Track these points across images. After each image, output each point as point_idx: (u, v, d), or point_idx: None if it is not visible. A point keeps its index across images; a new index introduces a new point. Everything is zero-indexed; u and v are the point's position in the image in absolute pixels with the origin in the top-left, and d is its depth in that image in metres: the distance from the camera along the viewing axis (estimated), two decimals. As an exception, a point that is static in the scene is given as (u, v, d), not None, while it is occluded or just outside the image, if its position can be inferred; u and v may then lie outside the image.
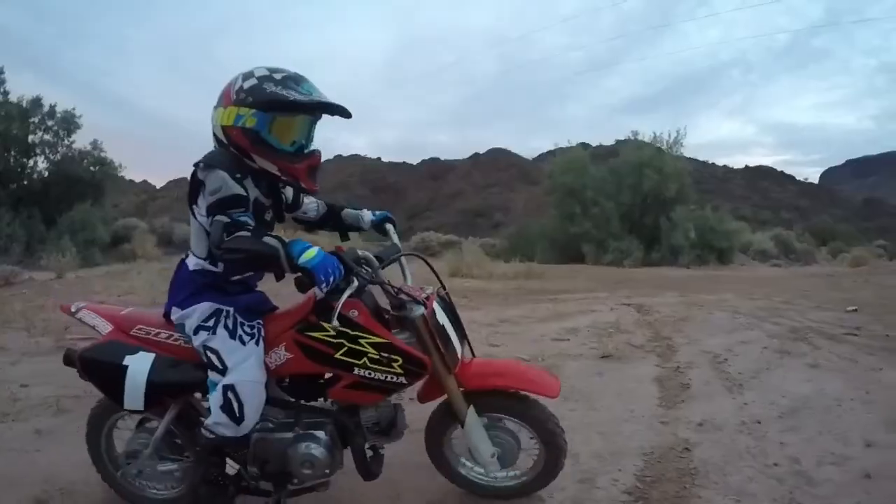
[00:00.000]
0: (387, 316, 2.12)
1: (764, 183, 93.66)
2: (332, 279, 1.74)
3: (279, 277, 2.01)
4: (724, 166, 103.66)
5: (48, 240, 19.06)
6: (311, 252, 1.74)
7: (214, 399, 2.01)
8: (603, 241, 23.74)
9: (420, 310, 2.08)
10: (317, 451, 2.07)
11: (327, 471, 2.11)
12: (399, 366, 2.02)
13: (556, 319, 6.83)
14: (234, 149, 1.98)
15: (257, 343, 2.06)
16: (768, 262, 25.23)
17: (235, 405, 1.97)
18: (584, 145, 40.77)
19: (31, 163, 22.18)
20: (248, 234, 1.82)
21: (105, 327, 2.24)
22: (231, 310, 2.07)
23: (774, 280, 13.80)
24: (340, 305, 1.87)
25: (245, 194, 1.94)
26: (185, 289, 2.10)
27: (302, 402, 2.21)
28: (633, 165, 24.70)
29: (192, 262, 2.13)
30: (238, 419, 1.98)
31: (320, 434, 2.10)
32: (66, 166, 22.43)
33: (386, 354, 2.01)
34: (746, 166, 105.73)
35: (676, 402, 3.96)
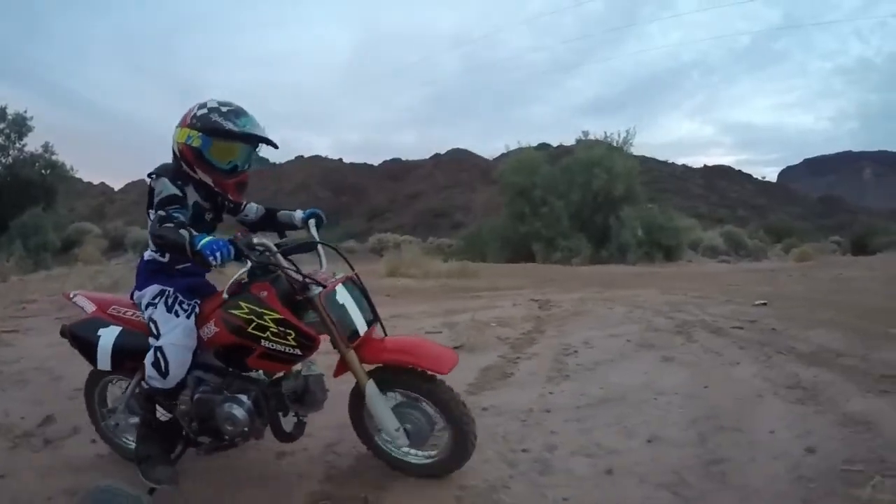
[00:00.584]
0: (298, 298, 2.38)
1: (722, 182, 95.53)
2: (218, 255, 2.09)
3: (200, 265, 2.26)
4: (684, 165, 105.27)
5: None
6: (205, 239, 2.11)
7: (148, 357, 2.43)
8: (553, 240, 23.79)
9: (317, 290, 2.36)
10: (237, 411, 2.38)
11: (246, 429, 2.40)
12: (293, 339, 2.30)
13: (446, 315, 6.81)
14: (183, 161, 2.45)
15: (188, 317, 2.47)
16: (717, 258, 25.56)
17: (163, 363, 2.39)
18: (545, 145, 41.04)
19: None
20: (172, 226, 2.21)
21: (90, 308, 2.78)
22: (172, 290, 2.52)
23: (712, 276, 13.89)
24: (232, 282, 2.36)
25: (181, 195, 2.37)
26: (142, 275, 2.59)
27: (236, 371, 2.50)
28: (582, 165, 24.78)
29: (147, 255, 2.62)
30: (164, 374, 2.40)
31: (243, 398, 2.41)
32: (17, 170, 22.01)
33: (282, 329, 2.30)
34: (705, 165, 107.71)
35: (484, 389, 4.01)
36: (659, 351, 4.93)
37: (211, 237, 2.14)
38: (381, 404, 2.44)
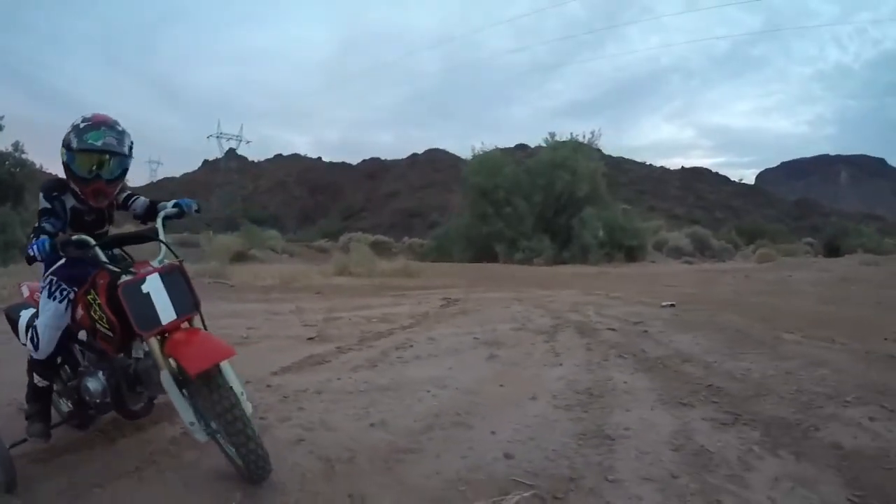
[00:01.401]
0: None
1: (699, 183, 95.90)
2: (35, 249, 2.44)
3: (27, 259, 2.59)
4: (662, 167, 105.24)
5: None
6: (33, 240, 2.47)
7: (30, 333, 2.87)
8: (515, 241, 23.86)
9: (121, 279, 2.49)
10: (91, 384, 2.69)
11: (98, 400, 2.69)
12: (105, 323, 2.54)
13: (329, 312, 7.05)
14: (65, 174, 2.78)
15: (61, 302, 2.79)
16: (681, 259, 25.64)
17: (36, 339, 2.81)
18: (523, 146, 41.05)
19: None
20: (33, 234, 2.58)
21: (26, 294, 3.24)
22: (55, 278, 2.82)
23: (657, 277, 14.11)
24: (50, 271, 2.79)
25: (49, 206, 2.73)
26: (44, 265, 2.86)
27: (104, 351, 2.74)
28: (545, 166, 24.90)
29: None
30: (35, 346, 2.82)
31: (99, 374, 2.69)
32: (-14, 169, 21.89)
33: (99, 313, 2.56)
34: (683, 167, 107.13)
35: (289, 371, 4.32)
36: (494, 349, 4.96)
37: (44, 237, 2.48)
38: (174, 394, 2.47)
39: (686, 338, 5.24)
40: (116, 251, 2.78)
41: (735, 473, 2.50)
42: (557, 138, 27.90)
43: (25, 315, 3.07)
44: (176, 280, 2.63)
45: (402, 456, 2.80)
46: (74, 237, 2.54)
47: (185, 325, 2.60)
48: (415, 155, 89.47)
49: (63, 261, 2.83)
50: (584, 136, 27.19)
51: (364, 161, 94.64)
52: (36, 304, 3.01)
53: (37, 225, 2.70)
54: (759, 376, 3.99)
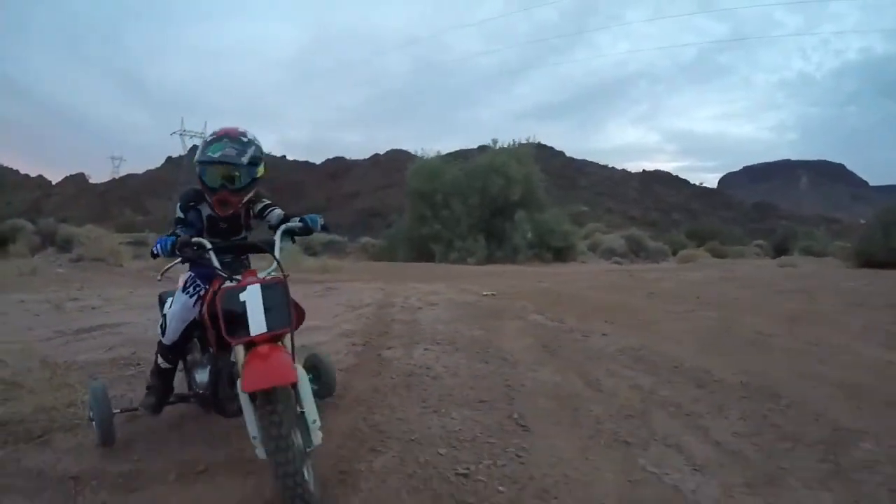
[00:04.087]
0: None
1: (659, 186, 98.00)
2: (157, 248, 2.73)
3: (154, 256, 2.84)
4: (623, 170, 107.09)
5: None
6: (163, 238, 2.77)
7: (161, 319, 3.21)
8: (451, 241, 24.74)
9: (224, 283, 2.64)
10: (199, 376, 3.10)
11: (201, 391, 3.03)
12: (216, 324, 2.64)
13: None
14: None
15: (191, 297, 3.06)
16: (611, 259, 26.88)
17: (165, 325, 3.13)
18: (483, 147, 41.67)
19: None
20: (167, 236, 2.82)
21: (179, 284, 3.24)
22: (192, 275, 3.12)
23: (549, 275, 14.88)
24: (163, 269, 3.24)
25: (182, 216, 3.05)
26: (192, 265, 3.15)
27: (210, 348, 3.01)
28: (482, 170, 25.80)
29: None
30: (163, 332, 3.15)
31: (206, 368, 3.02)
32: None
33: (207, 315, 2.78)
34: (644, 170, 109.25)
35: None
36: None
37: (167, 237, 2.78)
38: (245, 405, 2.43)
39: (447, 326, 5.99)
40: (232, 258, 2.96)
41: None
42: (508, 143, 28.87)
43: (168, 302, 3.25)
44: (276, 294, 2.58)
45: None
46: (194, 239, 2.75)
47: (277, 342, 2.55)
48: (377, 155, 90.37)
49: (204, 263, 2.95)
50: (513, 142, 28.27)
51: (327, 160, 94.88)
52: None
53: (171, 230, 2.93)
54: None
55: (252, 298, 2.52)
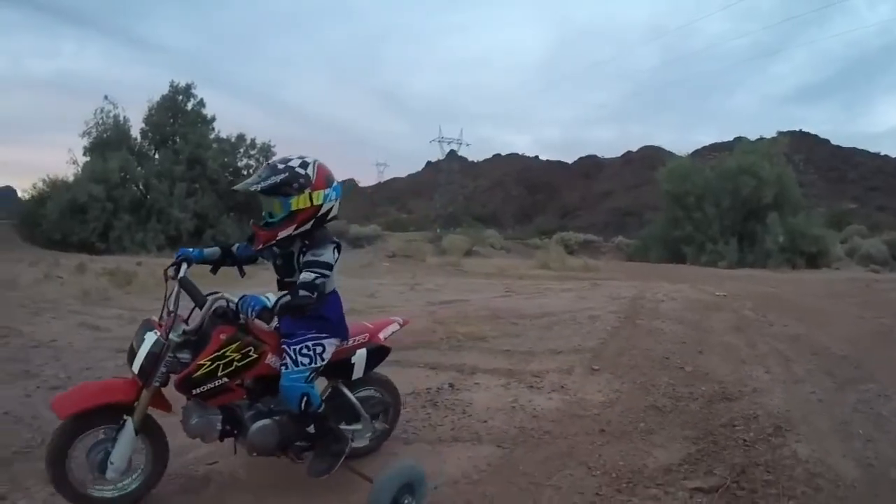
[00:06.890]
0: None
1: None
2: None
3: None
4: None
5: None
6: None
7: None
8: (703, 244, 26.25)
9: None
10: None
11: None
12: None
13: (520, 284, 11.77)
14: None
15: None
16: (868, 267, 24.80)
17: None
18: (739, 139, 41.44)
19: None
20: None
21: None
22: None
23: (795, 282, 15.97)
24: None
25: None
26: None
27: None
28: (732, 172, 26.55)
29: None
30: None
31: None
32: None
33: None
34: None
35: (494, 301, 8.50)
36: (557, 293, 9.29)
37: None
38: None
39: (670, 305, 9.12)
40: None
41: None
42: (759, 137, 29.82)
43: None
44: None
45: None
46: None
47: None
48: (629, 152, 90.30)
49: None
50: (786, 131, 28.10)
51: (580, 159, 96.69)
52: None
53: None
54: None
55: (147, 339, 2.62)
